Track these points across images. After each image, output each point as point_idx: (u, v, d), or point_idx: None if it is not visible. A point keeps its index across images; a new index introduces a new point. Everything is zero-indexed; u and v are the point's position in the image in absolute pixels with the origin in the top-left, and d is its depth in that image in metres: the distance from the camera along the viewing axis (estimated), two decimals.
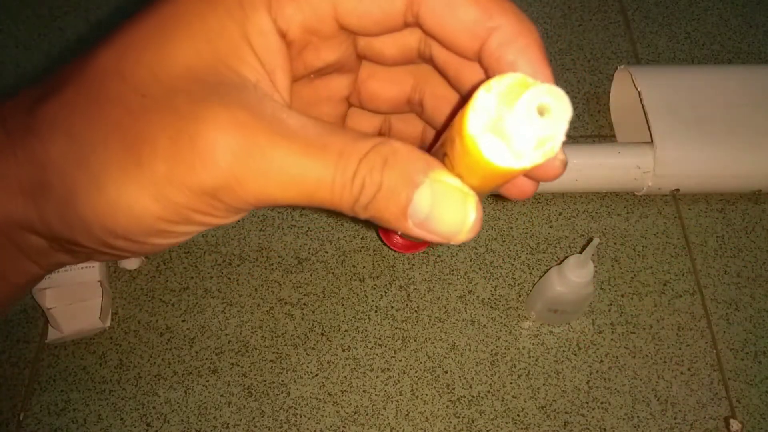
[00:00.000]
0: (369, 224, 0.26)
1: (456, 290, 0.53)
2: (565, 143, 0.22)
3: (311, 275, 0.54)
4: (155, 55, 0.24)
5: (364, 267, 0.54)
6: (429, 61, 0.30)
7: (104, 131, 0.23)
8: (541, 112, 0.21)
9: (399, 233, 0.25)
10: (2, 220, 0.25)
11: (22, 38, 0.68)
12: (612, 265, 0.55)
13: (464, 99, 0.22)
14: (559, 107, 0.21)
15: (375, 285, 0.53)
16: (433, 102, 0.32)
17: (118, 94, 0.24)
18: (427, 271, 0.54)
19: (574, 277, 0.48)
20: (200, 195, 0.23)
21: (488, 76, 0.25)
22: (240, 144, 0.23)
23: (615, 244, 0.56)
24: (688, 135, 0.56)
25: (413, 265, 0.54)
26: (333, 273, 0.54)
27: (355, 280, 0.54)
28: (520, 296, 0.53)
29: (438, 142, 0.28)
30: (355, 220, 0.26)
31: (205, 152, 0.22)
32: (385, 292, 0.53)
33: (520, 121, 0.21)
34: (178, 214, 0.24)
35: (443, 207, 0.24)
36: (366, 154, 0.23)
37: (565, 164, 0.25)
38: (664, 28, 0.69)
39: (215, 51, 0.24)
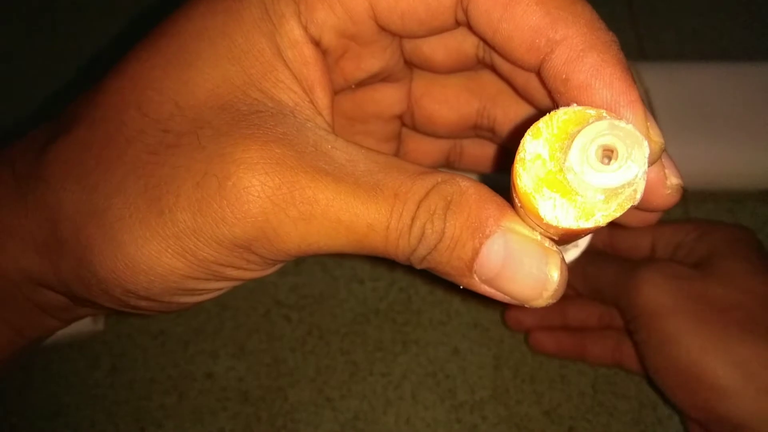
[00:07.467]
0: (428, 273, 0.22)
1: (459, 292, 0.52)
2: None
3: (309, 277, 0.52)
4: (177, 83, 0.20)
5: (363, 268, 0.53)
6: (491, 68, 0.25)
7: (121, 175, 0.20)
8: (606, 155, 0.16)
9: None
10: (16, 276, 0.22)
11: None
12: None
13: (530, 121, 0.18)
14: (629, 145, 0.16)
15: (375, 287, 0.52)
16: (509, 127, 0.27)
17: (137, 129, 0.20)
18: (429, 273, 0.53)
19: None
20: (231, 248, 0.20)
21: (553, 99, 0.21)
22: (277, 186, 0.19)
23: None
24: (696, 133, 0.54)
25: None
26: (331, 275, 0.53)
27: (354, 281, 0.52)
28: None
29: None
30: (410, 268, 0.22)
31: (235, 198, 0.19)
32: (386, 295, 0.52)
33: (580, 171, 0.16)
34: (206, 271, 0.20)
35: (518, 264, 0.19)
36: (426, 194, 0.19)
37: (680, 190, 0.20)
38: (671, 24, 0.68)
39: (245, 72, 0.20)
